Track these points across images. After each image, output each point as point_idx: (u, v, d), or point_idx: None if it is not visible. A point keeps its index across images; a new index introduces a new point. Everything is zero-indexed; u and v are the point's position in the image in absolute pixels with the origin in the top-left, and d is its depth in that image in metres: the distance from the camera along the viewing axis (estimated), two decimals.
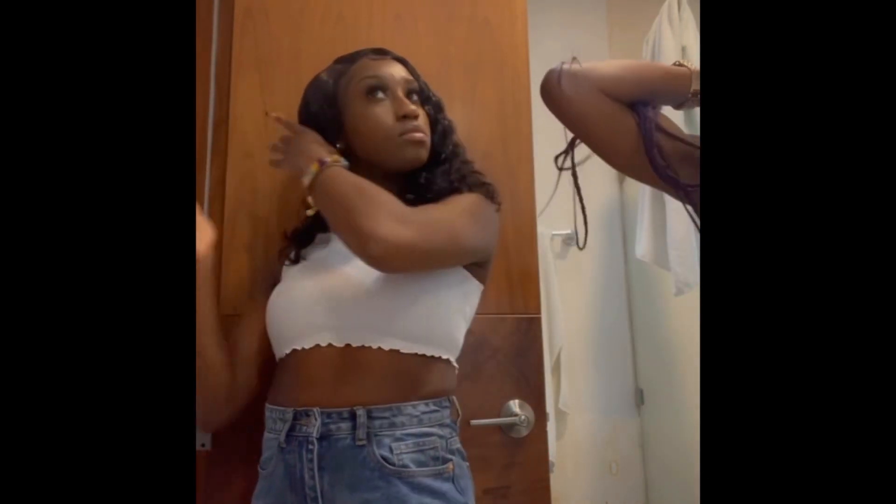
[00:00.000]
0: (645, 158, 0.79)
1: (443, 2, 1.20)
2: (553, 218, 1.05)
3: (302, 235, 0.94)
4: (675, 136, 0.80)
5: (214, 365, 0.83)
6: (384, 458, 0.74)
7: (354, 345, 0.78)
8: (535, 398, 1.10)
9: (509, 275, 1.13)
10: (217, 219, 1.06)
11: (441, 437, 0.79)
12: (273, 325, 0.85)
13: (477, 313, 0.90)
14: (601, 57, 2.47)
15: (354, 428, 0.75)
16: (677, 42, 1.94)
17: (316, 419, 0.76)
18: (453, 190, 0.86)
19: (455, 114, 1.00)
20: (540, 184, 1.17)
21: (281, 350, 0.84)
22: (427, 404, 0.79)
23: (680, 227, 1.84)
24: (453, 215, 0.80)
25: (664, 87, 0.81)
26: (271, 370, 0.87)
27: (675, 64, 0.82)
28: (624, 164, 0.84)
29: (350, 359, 0.78)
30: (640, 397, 2.33)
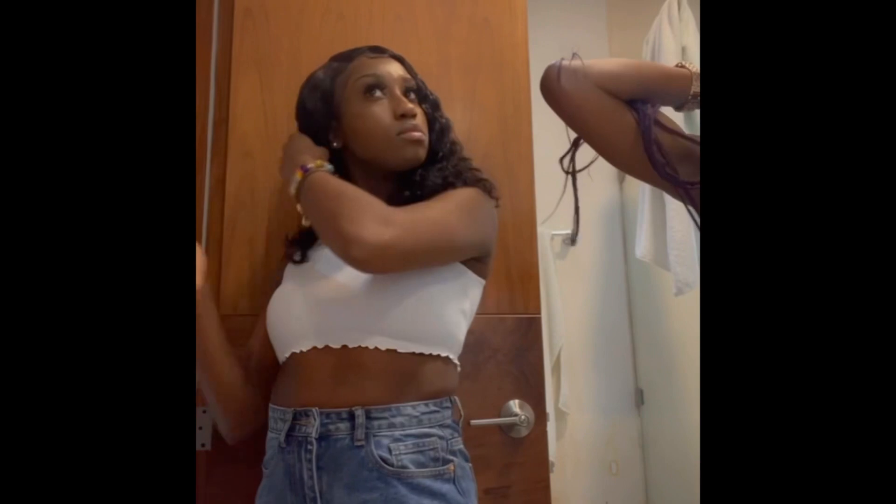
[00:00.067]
0: (644, 155, 0.78)
1: (443, 2, 1.20)
2: (553, 218, 1.05)
3: (304, 237, 0.94)
4: (674, 133, 0.80)
5: (234, 387, 0.86)
6: (383, 459, 0.74)
7: (351, 346, 0.78)
8: (535, 398, 1.10)
9: (509, 275, 1.13)
10: (217, 219, 1.06)
11: (442, 437, 0.78)
12: (271, 330, 0.86)
13: (477, 313, 0.89)
14: (601, 57, 2.46)
15: (353, 428, 0.75)
16: (677, 42, 1.94)
17: (315, 419, 0.76)
18: (447, 185, 0.84)
19: (455, 114, 1.00)
20: (540, 184, 1.17)
21: (281, 353, 0.85)
22: (427, 405, 0.78)
23: (680, 227, 1.84)
24: (444, 212, 0.79)
25: (663, 87, 0.80)
26: None
27: (676, 66, 0.82)
28: (623, 161, 0.84)
29: (348, 359, 0.78)
30: (640, 397, 2.33)
